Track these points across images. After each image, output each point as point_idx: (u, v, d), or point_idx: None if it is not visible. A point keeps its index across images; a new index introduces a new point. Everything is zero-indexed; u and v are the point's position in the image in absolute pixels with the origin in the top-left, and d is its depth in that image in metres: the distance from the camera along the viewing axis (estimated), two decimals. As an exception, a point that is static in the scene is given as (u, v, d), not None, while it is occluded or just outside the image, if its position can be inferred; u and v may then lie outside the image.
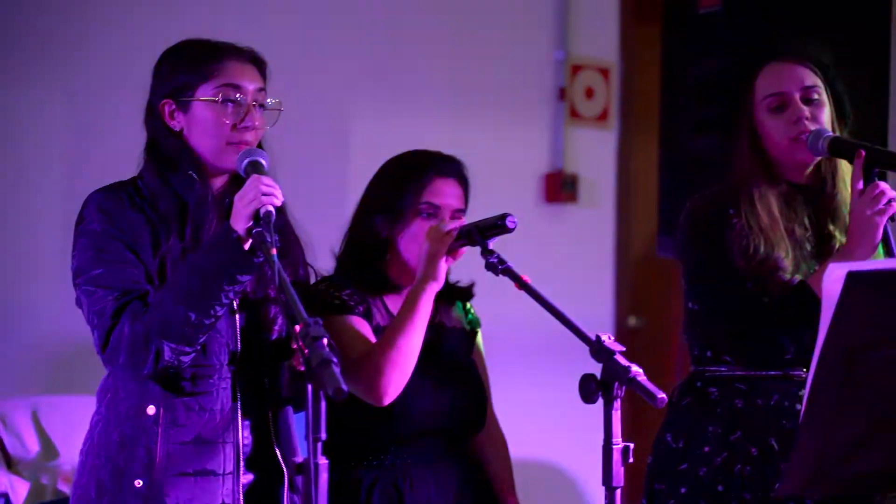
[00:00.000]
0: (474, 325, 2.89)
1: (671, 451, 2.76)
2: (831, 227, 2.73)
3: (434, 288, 2.60)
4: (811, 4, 3.94)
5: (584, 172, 4.76)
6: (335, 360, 1.89)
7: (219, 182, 2.41)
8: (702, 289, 2.76)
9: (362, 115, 4.34)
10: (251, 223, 2.21)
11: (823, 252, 2.71)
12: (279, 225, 2.37)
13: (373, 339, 2.64)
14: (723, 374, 2.74)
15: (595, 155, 4.81)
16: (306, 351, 1.89)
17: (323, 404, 1.91)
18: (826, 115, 2.70)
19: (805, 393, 1.96)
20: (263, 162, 2.30)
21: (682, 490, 2.72)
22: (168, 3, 3.94)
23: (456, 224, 2.63)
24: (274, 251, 2.14)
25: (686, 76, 4.03)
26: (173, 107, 2.38)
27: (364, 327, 2.66)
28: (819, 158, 2.70)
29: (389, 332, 2.60)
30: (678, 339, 3.48)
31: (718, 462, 2.69)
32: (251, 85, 2.38)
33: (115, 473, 2.32)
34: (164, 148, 2.38)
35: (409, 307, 2.59)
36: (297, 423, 2.45)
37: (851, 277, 1.87)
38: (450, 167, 2.74)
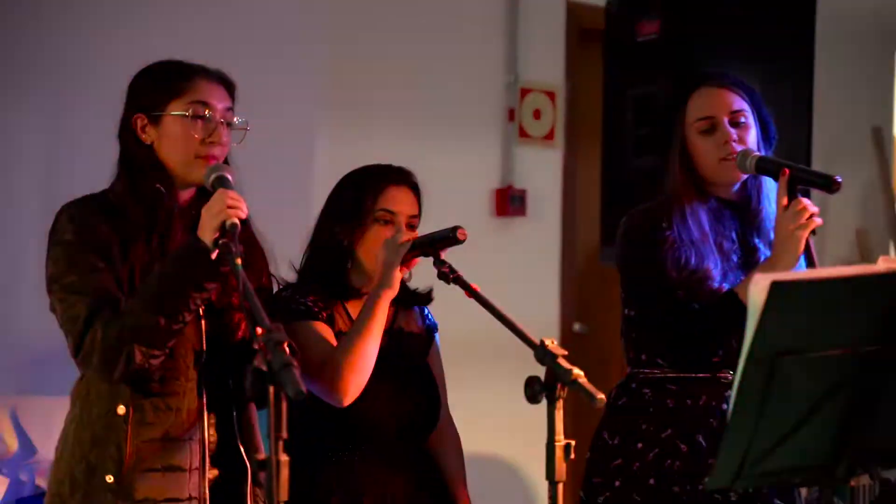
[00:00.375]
0: (432, 329, 2.89)
1: (607, 448, 2.76)
2: (756, 241, 2.74)
3: (389, 295, 2.60)
4: (741, 33, 3.98)
5: (532, 188, 4.78)
6: (295, 363, 1.88)
7: (186, 195, 2.40)
8: (637, 297, 2.78)
9: (326, 134, 4.33)
10: (218, 234, 2.21)
11: (749, 263, 2.72)
12: (244, 236, 2.37)
13: (335, 344, 2.63)
14: (656, 375, 2.75)
15: (542, 172, 4.82)
16: (269, 355, 1.89)
17: (284, 404, 1.90)
18: (752, 137, 2.72)
19: (732, 394, 1.97)
20: (229, 177, 2.30)
21: (617, 483, 2.73)
22: (138, 26, 3.93)
23: (410, 236, 2.64)
24: (239, 261, 2.13)
25: (626, 99, 4.06)
26: (145, 121, 2.37)
27: (327, 332, 2.65)
28: (746, 176, 2.72)
29: (348, 337, 2.59)
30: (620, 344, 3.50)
31: (650, 458, 2.70)
32: (220, 103, 2.38)
33: (88, 469, 2.31)
34: (135, 160, 2.37)
35: (366, 314, 2.59)
36: (260, 421, 2.44)
37: (775, 286, 1.88)
38: (402, 176, 2.75)
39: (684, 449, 2.69)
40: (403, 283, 2.75)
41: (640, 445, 2.72)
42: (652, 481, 2.69)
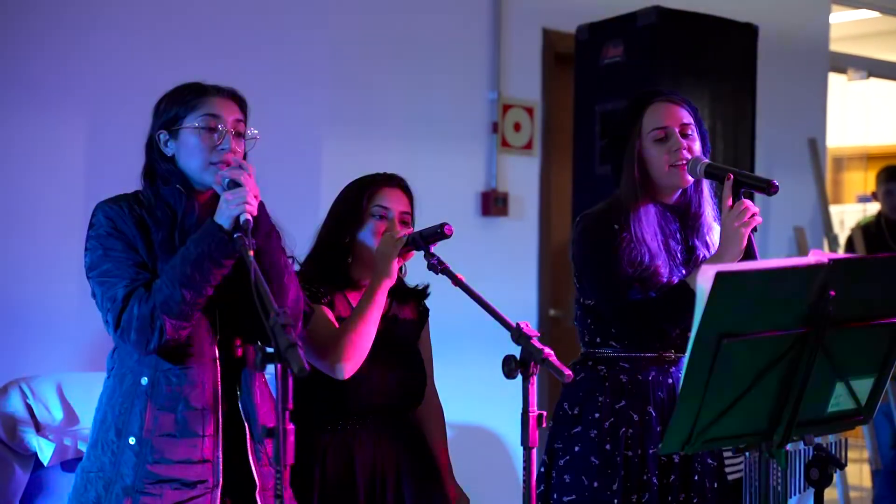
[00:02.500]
0: (424, 315, 2.86)
1: (568, 417, 2.73)
2: (695, 241, 2.72)
3: (388, 283, 2.58)
4: (694, 56, 3.96)
5: (513, 191, 4.76)
6: (299, 343, 1.86)
7: (204, 197, 2.37)
8: (597, 290, 2.72)
9: (333, 144, 4.32)
10: (233, 225, 2.19)
11: (689, 260, 2.69)
12: (265, 225, 2.34)
13: (336, 325, 2.61)
14: (610, 355, 2.72)
15: (522, 177, 4.81)
16: (276, 336, 1.86)
17: (290, 379, 1.88)
18: (697, 146, 2.69)
19: (683, 371, 1.95)
20: (242, 181, 2.27)
21: (577, 449, 2.69)
22: (163, 49, 3.90)
23: (405, 231, 2.62)
24: (251, 252, 2.11)
25: (593, 114, 4.04)
26: (167, 136, 2.35)
27: (330, 315, 2.63)
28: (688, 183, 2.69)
29: (351, 318, 2.57)
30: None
31: (606, 426, 2.67)
32: (230, 116, 2.35)
33: (116, 433, 2.29)
34: (159, 170, 2.36)
35: (368, 298, 2.57)
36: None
37: (720, 277, 1.87)
38: (394, 179, 2.74)
39: (636, 418, 2.67)
40: (402, 279, 2.73)
41: (597, 415, 2.68)
42: (608, 447, 2.66)
